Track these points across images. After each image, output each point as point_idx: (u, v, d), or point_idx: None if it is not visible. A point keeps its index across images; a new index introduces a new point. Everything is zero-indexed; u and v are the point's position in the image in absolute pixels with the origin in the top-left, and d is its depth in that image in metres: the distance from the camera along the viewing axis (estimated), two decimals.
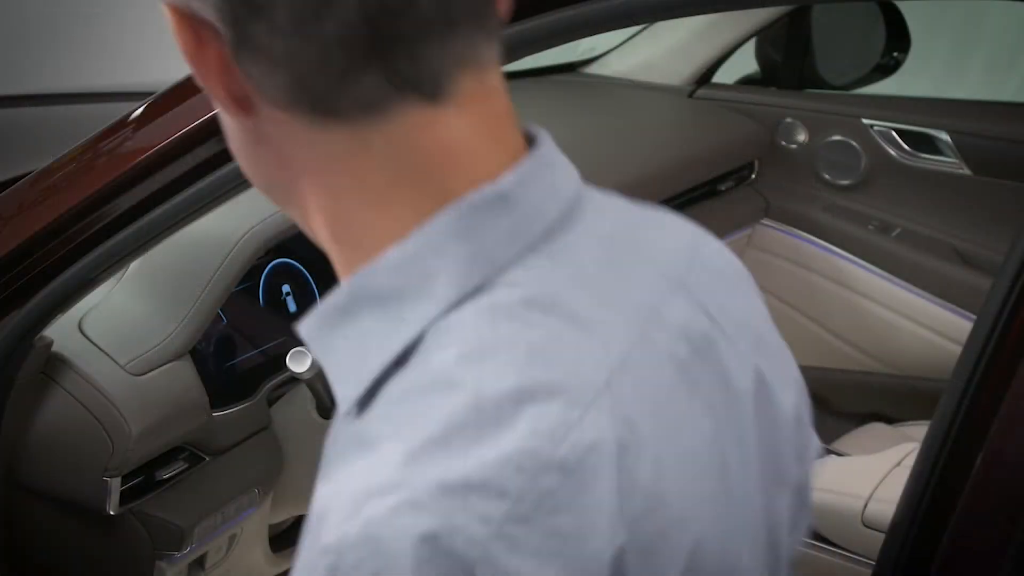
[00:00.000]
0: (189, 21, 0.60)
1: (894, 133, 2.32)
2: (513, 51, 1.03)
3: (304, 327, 0.65)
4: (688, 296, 0.68)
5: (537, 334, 0.58)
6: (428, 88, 0.59)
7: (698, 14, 2.28)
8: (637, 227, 0.69)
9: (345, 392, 0.62)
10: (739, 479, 0.66)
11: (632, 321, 0.62)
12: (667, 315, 0.65)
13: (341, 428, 0.62)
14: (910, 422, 2.04)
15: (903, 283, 2.28)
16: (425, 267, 0.60)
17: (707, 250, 0.73)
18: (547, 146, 0.64)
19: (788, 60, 2.54)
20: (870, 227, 2.35)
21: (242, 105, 0.61)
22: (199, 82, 0.62)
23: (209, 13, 0.58)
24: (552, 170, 0.64)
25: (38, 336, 1.21)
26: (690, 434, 0.62)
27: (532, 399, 0.55)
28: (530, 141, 0.65)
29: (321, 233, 0.65)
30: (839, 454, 1.85)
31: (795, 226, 2.45)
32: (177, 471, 1.39)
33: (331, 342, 0.64)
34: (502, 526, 0.53)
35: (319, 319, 0.64)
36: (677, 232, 0.73)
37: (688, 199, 2.42)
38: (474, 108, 0.60)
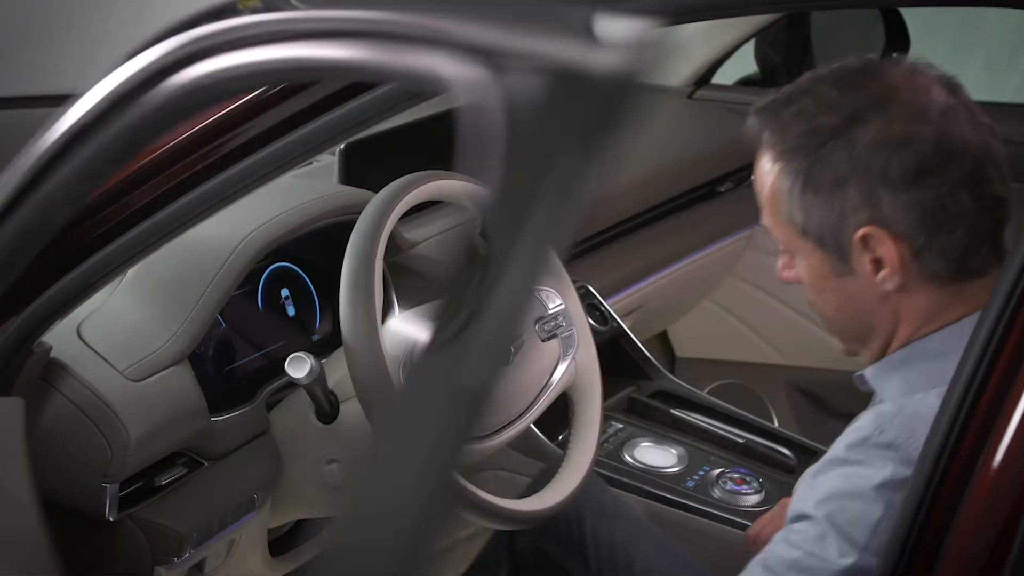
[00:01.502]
0: (890, 235, 1.04)
1: None
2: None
3: (869, 372, 1.14)
4: None
5: None
6: (1002, 256, 1.06)
7: (705, 20, 2.27)
8: None
9: (897, 398, 1.07)
10: None
11: None
12: None
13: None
14: None
15: None
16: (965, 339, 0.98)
17: None
18: None
19: (787, 61, 2.54)
20: None
21: (902, 286, 1.06)
22: (866, 276, 1.08)
23: (906, 229, 1.04)
24: None
25: (36, 342, 1.21)
26: None
27: None
28: None
29: (889, 339, 1.11)
30: None
31: None
32: (176, 476, 1.38)
33: (888, 379, 1.11)
34: None
35: (882, 367, 1.12)
36: None
37: (687, 200, 2.42)
38: None
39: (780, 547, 1.06)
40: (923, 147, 1.03)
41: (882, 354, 1.14)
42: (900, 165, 1.03)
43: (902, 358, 1.10)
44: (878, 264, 1.07)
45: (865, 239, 1.06)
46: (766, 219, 1.15)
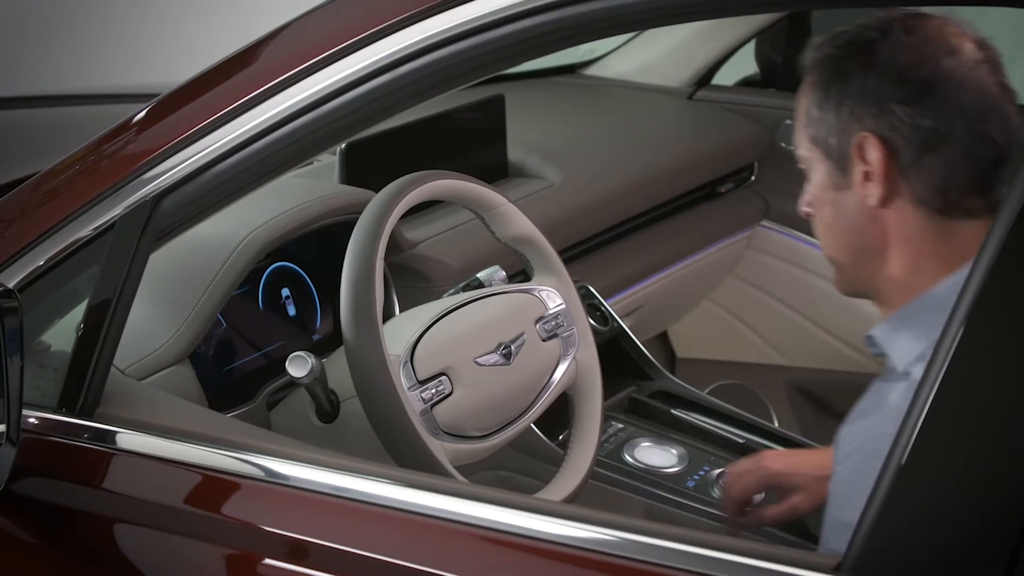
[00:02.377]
0: (882, 143, 1.09)
1: None
2: (513, 57, 1.03)
3: (877, 331, 1.15)
4: None
5: None
6: (995, 208, 1.07)
7: (702, 19, 2.28)
8: None
9: (904, 359, 1.10)
10: None
11: None
12: None
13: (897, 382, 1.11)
14: None
15: None
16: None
17: None
18: None
19: (788, 61, 2.54)
20: None
21: (886, 201, 1.11)
22: (858, 187, 1.13)
23: (899, 142, 1.09)
24: None
25: (37, 341, 1.21)
26: None
27: None
28: None
29: (886, 278, 1.14)
30: None
31: (795, 227, 2.45)
32: None
33: (896, 337, 1.12)
34: None
35: (889, 324, 1.14)
36: None
37: (688, 201, 2.42)
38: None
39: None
40: (935, 69, 1.09)
41: (884, 299, 1.17)
42: (909, 81, 1.09)
43: (906, 314, 1.12)
44: (868, 178, 1.11)
45: (861, 147, 1.10)
46: (795, 137, 1.22)
